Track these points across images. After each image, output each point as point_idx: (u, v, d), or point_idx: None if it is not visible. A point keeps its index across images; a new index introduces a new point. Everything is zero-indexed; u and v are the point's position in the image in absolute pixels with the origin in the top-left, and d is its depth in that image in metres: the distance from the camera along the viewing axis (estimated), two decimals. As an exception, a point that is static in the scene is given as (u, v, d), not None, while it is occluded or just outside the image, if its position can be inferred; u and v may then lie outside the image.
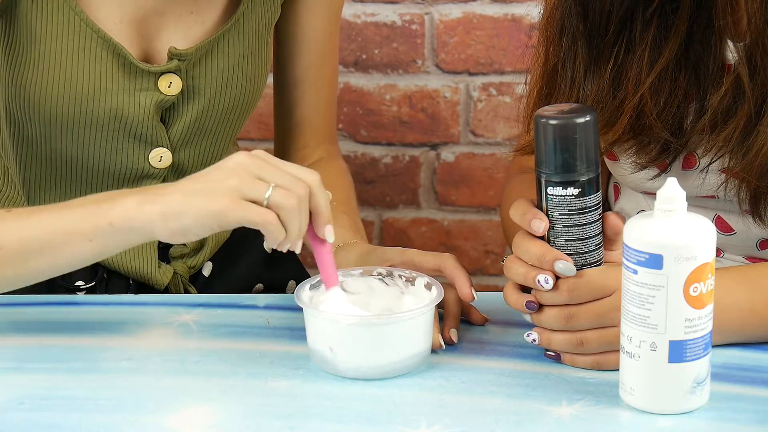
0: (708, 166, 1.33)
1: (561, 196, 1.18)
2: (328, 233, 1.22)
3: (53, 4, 1.39)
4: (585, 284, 1.19)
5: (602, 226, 1.21)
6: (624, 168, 1.39)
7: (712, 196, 1.37)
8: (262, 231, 1.19)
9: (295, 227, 1.19)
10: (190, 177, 1.22)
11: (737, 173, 1.30)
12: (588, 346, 1.21)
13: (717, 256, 1.31)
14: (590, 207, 1.19)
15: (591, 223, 1.19)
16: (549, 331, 1.22)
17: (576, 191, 1.18)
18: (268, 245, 1.22)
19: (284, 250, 1.21)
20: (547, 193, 1.19)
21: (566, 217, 1.19)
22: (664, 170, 1.36)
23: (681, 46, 1.31)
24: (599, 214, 1.20)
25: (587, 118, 1.17)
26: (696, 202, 1.37)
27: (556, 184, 1.18)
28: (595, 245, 1.20)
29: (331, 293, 1.24)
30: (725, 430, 1.13)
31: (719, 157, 1.31)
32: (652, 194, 1.40)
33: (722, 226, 1.39)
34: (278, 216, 1.18)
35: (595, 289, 1.20)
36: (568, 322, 1.20)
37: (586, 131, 1.17)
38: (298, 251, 1.21)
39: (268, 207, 1.18)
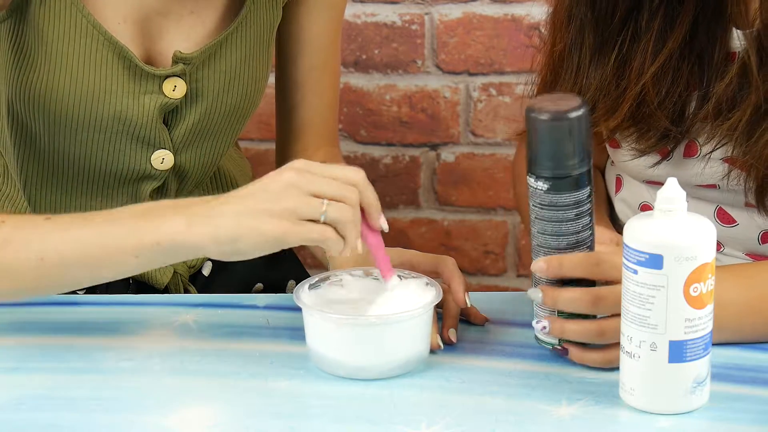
0: (709, 154, 1.33)
1: (533, 187, 1.18)
2: (383, 222, 1.23)
3: (61, 5, 1.39)
4: (606, 262, 1.17)
5: (590, 231, 1.19)
6: (624, 155, 1.39)
7: (714, 186, 1.37)
8: (322, 246, 1.19)
9: (353, 235, 1.20)
10: (239, 194, 1.20)
11: (742, 163, 1.30)
12: (608, 336, 1.18)
13: (717, 250, 1.30)
14: (563, 205, 1.17)
15: (566, 221, 1.18)
16: (561, 320, 1.19)
17: (545, 186, 1.17)
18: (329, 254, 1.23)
19: (347, 254, 1.21)
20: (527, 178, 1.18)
21: (538, 209, 1.18)
22: (665, 157, 1.37)
23: (686, 37, 1.31)
24: (577, 215, 1.17)
25: (557, 123, 1.14)
26: (697, 192, 1.37)
27: (529, 173, 1.18)
28: (568, 244, 1.18)
29: (391, 284, 1.25)
30: (725, 430, 1.12)
31: (722, 146, 1.31)
32: (654, 184, 1.41)
33: (724, 218, 1.39)
34: (336, 228, 1.19)
35: (618, 266, 1.15)
36: (595, 307, 1.17)
37: (554, 133, 1.15)
38: (360, 251, 1.21)
39: (325, 223, 1.18)
